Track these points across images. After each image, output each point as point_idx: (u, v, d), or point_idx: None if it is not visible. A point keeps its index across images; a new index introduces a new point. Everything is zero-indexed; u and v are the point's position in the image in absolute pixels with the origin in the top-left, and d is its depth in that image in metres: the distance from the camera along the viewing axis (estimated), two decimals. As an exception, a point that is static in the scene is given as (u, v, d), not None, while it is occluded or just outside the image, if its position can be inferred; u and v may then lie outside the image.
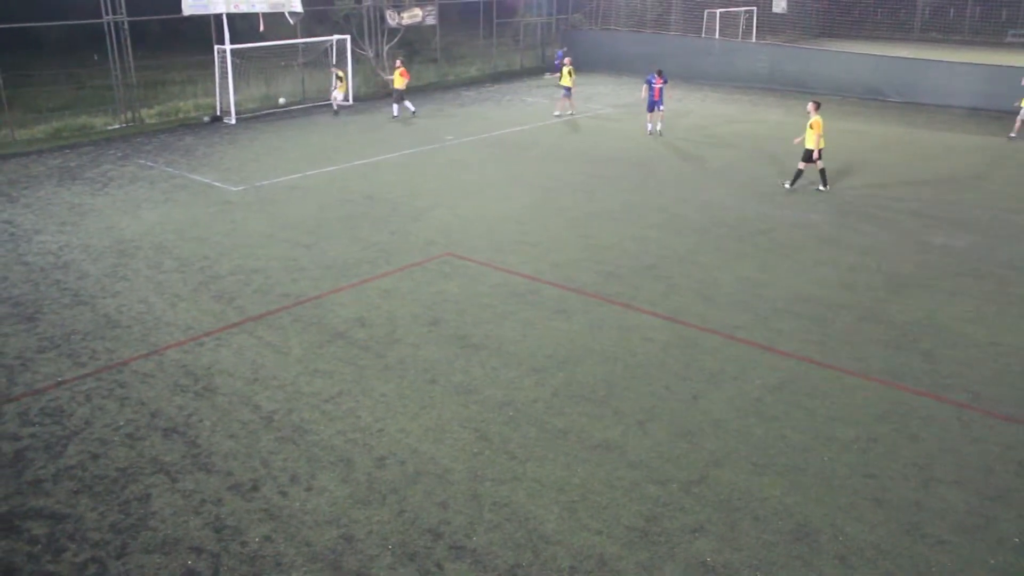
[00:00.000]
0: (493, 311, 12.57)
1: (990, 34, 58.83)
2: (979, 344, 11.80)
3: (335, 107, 29.64)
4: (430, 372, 10.71)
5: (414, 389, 10.29)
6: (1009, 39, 57.75)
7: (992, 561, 7.50)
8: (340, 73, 29.88)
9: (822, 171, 19.49)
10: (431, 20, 36.09)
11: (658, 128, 25.75)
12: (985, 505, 8.27)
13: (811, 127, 18.99)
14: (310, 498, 8.20)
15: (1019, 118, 26.33)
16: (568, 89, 28.82)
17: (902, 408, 10.05)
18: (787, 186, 19.73)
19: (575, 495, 8.28)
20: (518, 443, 9.15)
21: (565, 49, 33.14)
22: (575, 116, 28.78)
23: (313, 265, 14.43)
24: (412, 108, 28.64)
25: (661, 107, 25.63)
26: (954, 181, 20.75)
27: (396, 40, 34.18)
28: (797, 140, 20.31)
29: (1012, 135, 26.49)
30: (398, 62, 28.80)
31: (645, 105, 25.98)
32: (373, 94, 32.64)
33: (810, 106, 19.39)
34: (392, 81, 28.67)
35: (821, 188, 19.58)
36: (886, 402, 10.19)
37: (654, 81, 25.28)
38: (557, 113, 29.06)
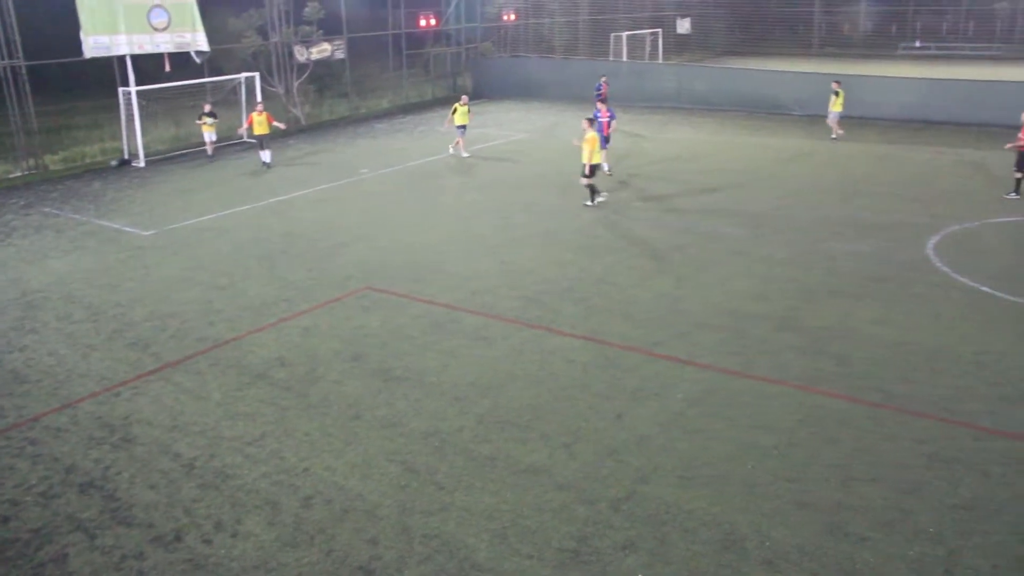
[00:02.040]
0: (414, 342, 12.56)
1: (883, 47, 61.30)
2: (888, 344, 12.23)
3: (209, 152, 27.62)
4: (354, 407, 10.65)
5: (338, 426, 10.22)
6: (900, 52, 60.24)
7: (911, 553, 7.76)
8: (207, 111, 27.49)
9: (591, 187, 19.90)
10: (340, 54, 36.03)
11: (604, 167, 22.85)
12: (901, 499, 8.56)
13: (586, 142, 19.37)
14: (236, 544, 8.07)
15: (829, 121, 28.47)
16: (463, 127, 26.75)
17: (819, 412, 10.35)
18: (587, 204, 20.08)
19: (505, 521, 8.31)
20: (445, 473, 9.15)
21: (604, 78, 31.15)
22: (459, 156, 27.02)
23: (230, 307, 14.23)
24: (266, 160, 25.72)
25: (607, 144, 23.12)
26: (852, 188, 21.49)
27: (306, 75, 34.05)
28: (575, 142, 20.83)
29: (833, 136, 28.31)
30: (259, 106, 26.12)
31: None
32: (285, 131, 32.36)
33: (584, 123, 19.91)
34: (253, 127, 25.63)
35: (588, 204, 19.99)
36: (804, 407, 10.48)
37: (600, 115, 23.02)
38: (454, 151, 27.03)
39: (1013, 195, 20.39)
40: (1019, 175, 20.28)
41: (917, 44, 60.89)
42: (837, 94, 28.33)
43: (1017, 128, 20.24)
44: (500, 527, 8.22)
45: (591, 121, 20.11)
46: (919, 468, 9.11)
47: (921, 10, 62.26)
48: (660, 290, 14.54)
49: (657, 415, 10.30)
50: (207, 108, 27.52)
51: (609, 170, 23.34)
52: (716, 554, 7.79)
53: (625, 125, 32.19)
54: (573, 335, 12.73)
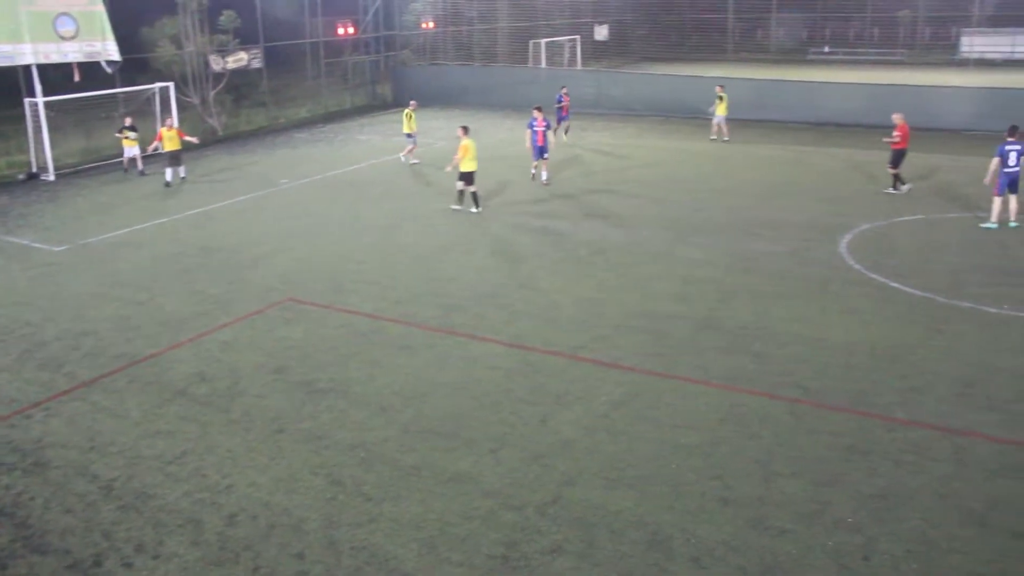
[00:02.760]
0: (337, 353, 12.46)
1: (795, 53, 63.03)
2: (805, 342, 12.56)
3: (139, 167, 26.10)
4: (277, 421, 10.50)
5: (261, 440, 10.07)
6: (811, 57, 62.00)
7: (830, 543, 7.98)
8: (127, 124, 26.10)
9: (474, 194, 20.12)
10: (257, 64, 35.56)
11: (543, 177, 23.02)
12: (821, 492, 8.80)
13: (461, 151, 19.60)
14: (158, 566, 7.88)
15: (715, 122, 29.40)
16: (411, 135, 26.57)
17: (741, 409, 10.57)
18: (455, 207, 20.27)
19: (433, 530, 8.29)
20: (372, 484, 9.09)
21: (565, 88, 30.16)
22: (408, 163, 27.19)
23: (148, 322, 13.90)
24: (175, 177, 24.45)
25: (546, 154, 22.86)
26: (768, 190, 22.03)
27: (222, 85, 33.50)
28: (449, 168, 20.93)
29: (712, 137, 29.30)
30: (169, 121, 25.29)
31: (531, 153, 23.25)
32: (201, 141, 31.79)
33: (459, 131, 20.08)
34: (164, 143, 24.34)
35: (473, 210, 20.15)
36: (726, 405, 10.69)
37: (536, 124, 22.46)
38: (404, 159, 26.98)
39: (895, 189, 21.24)
40: (894, 171, 21.30)
41: (826, 50, 62.76)
42: (721, 98, 29.16)
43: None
44: (428, 536, 8.20)
45: (465, 129, 20.08)
46: (837, 460, 9.38)
47: (830, 17, 64.17)
48: (582, 294, 14.68)
49: (581, 418, 10.39)
50: (128, 122, 26.33)
51: (547, 179, 22.99)
52: (643, 553, 7.90)
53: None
54: (496, 341, 12.77)
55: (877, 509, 8.49)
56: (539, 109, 22.63)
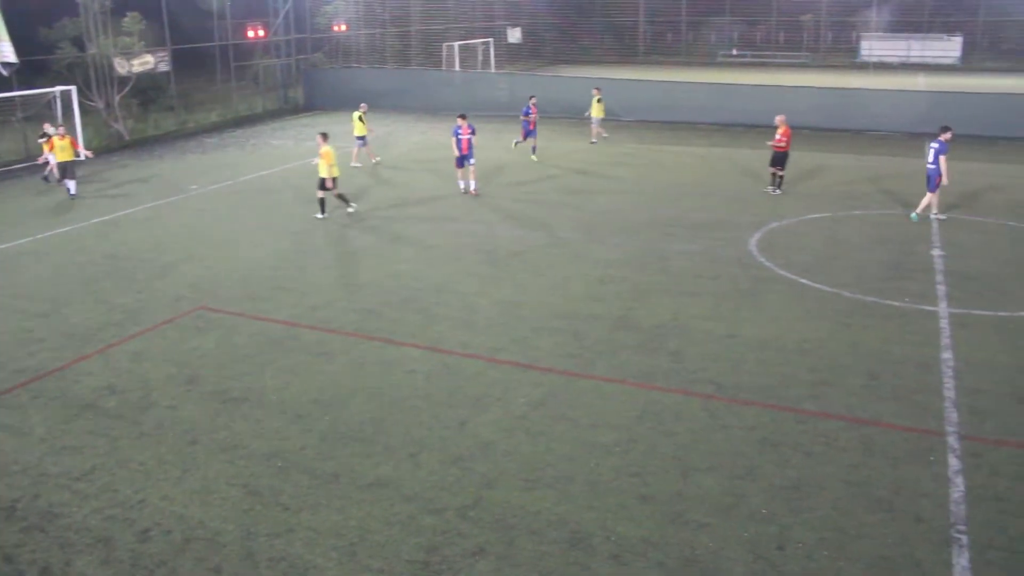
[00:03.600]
0: (252, 361, 12.23)
1: (704, 55, 64.40)
2: (718, 338, 12.81)
3: (56, 174, 24.03)
4: (191, 432, 10.26)
5: (175, 453, 9.82)
6: (719, 59, 63.40)
7: (746, 534, 8.15)
8: (48, 131, 24.22)
9: (340, 195, 20.12)
10: (164, 67, 34.70)
11: (471, 187, 22.34)
12: (736, 485, 8.98)
13: (322, 157, 19.53)
14: (66, 586, 7.62)
15: (593, 125, 29.98)
16: (362, 138, 26.41)
17: (657, 407, 10.72)
18: (319, 216, 20.13)
19: (353, 537, 8.20)
20: (290, 493, 8.95)
21: (533, 99, 27.63)
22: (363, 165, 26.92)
23: (52, 335, 13.42)
24: (73, 191, 23.00)
25: (472, 160, 22.17)
26: (680, 190, 22.43)
27: (128, 89, 32.59)
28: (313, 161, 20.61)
29: (592, 140, 29.88)
30: (60, 130, 23.38)
31: (454, 161, 22.51)
32: (107, 147, 30.90)
33: (319, 138, 20.07)
34: (55, 154, 23.00)
35: (350, 209, 20.29)
36: (642, 403, 10.83)
37: (460, 132, 21.75)
38: (359, 163, 26.56)
39: (772, 190, 21.81)
40: (776, 171, 21.85)
41: (734, 52, 64.26)
42: (599, 100, 29.63)
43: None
44: (348, 544, 8.11)
45: (324, 136, 19.91)
46: (751, 454, 9.59)
47: (737, 20, 65.72)
48: (499, 296, 14.72)
49: (500, 420, 10.41)
50: (47, 128, 24.32)
51: (476, 189, 22.28)
52: (564, 553, 7.94)
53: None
54: (414, 345, 12.71)
55: (790, 499, 8.71)
56: (463, 117, 21.89)
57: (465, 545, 8.07)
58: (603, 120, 30.22)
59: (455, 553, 7.96)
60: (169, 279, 15.95)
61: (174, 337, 13.22)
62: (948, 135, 18.72)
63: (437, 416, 10.54)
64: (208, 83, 39.29)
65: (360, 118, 26.23)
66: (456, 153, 22.15)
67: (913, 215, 19.15)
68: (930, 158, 18.75)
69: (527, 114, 27.08)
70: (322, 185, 19.75)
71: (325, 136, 19.97)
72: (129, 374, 11.93)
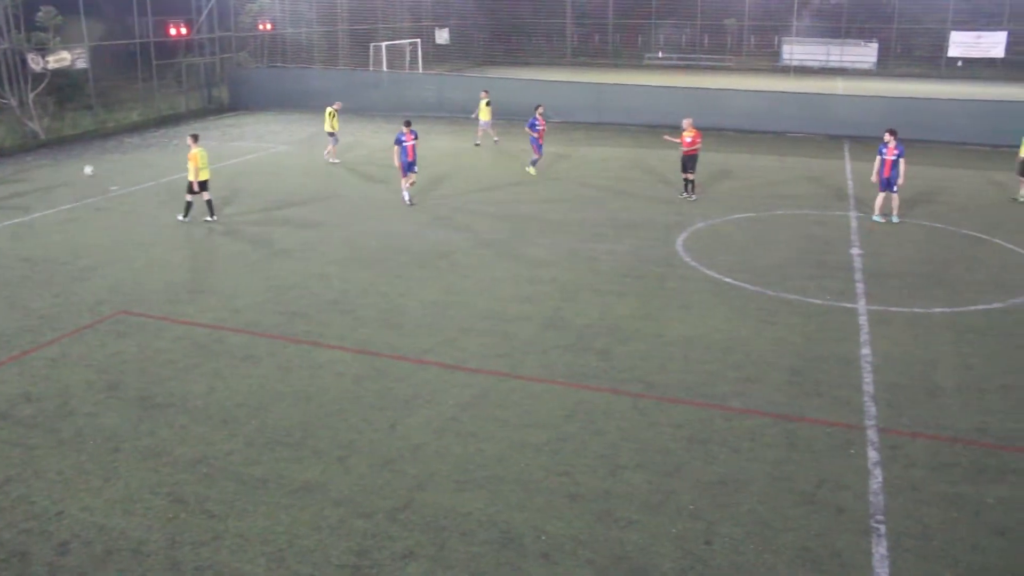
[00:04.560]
0: (176, 366, 11.97)
1: (631, 57, 65.20)
2: (646, 337, 12.97)
3: None
4: (112, 440, 9.99)
5: (95, 461, 9.55)
6: (646, 62, 64.27)
7: (674, 530, 8.28)
8: None
9: (208, 202, 19.72)
10: (82, 64, 33.70)
11: (406, 198, 21.35)
12: (664, 481, 9.11)
13: (190, 159, 19.27)
14: (-20, 602, 7.35)
15: (480, 127, 30.16)
16: (332, 134, 26.47)
17: (586, 406, 10.81)
18: (180, 219, 19.71)
19: (281, 543, 8.09)
20: (216, 500, 8.79)
21: (540, 108, 25.08)
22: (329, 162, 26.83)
23: (-37, 341, 12.95)
24: None
25: (416, 168, 21.50)
26: (608, 191, 22.65)
27: (43, 86, 31.57)
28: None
29: (477, 143, 30.09)
30: None
31: (400, 170, 21.31)
32: (21, 146, 29.91)
33: (189, 139, 19.92)
34: None
35: (208, 219, 19.63)
36: (571, 402, 10.91)
37: (404, 138, 20.81)
38: (334, 161, 26.74)
39: (687, 196, 21.90)
40: (688, 176, 21.85)
41: (660, 55, 65.14)
42: (488, 104, 29.87)
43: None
44: (276, 550, 7.99)
45: (195, 138, 19.66)
46: (679, 451, 9.74)
47: (663, 24, 66.65)
48: (428, 298, 14.66)
49: (430, 422, 10.38)
50: None
51: (410, 201, 21.28)
52: (495, 553, 7.96)
53: (388, 136, 32.13)
54: (342, 348, 12.59)
55: (717, 495, 8.86)
56: (408, 124, 21.19)
57: (395, 548, 8.03)
58: (492, 123, 30.30)
59: (385, 556, 7.91)
60: (88, 283, 15.51)
61: (94, 342, 12.86)
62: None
63: (366, 419, 10.45)
64: (129, 81, 38.26)
65: (332, 115, 26.50)
66: (397, 163, 21.18)
67: (876, 217, 19.60)
68: (888, 158, 19.03)
69: (534, 127, 24.80)
70: (189, 188, 19.32)
71: (196, 138, 19.66)
72: (46, 381, 11.56)
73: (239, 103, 39.82)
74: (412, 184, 21.55)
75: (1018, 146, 22.32)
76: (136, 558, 7.89)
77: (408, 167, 21.24)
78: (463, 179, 24.35)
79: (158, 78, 38.15)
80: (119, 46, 36.82)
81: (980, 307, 14.33)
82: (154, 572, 7.70)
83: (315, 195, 22.37)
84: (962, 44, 56.89)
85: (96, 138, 32.54)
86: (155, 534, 8.24)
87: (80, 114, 34.37)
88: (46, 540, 8.17)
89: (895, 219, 19.48)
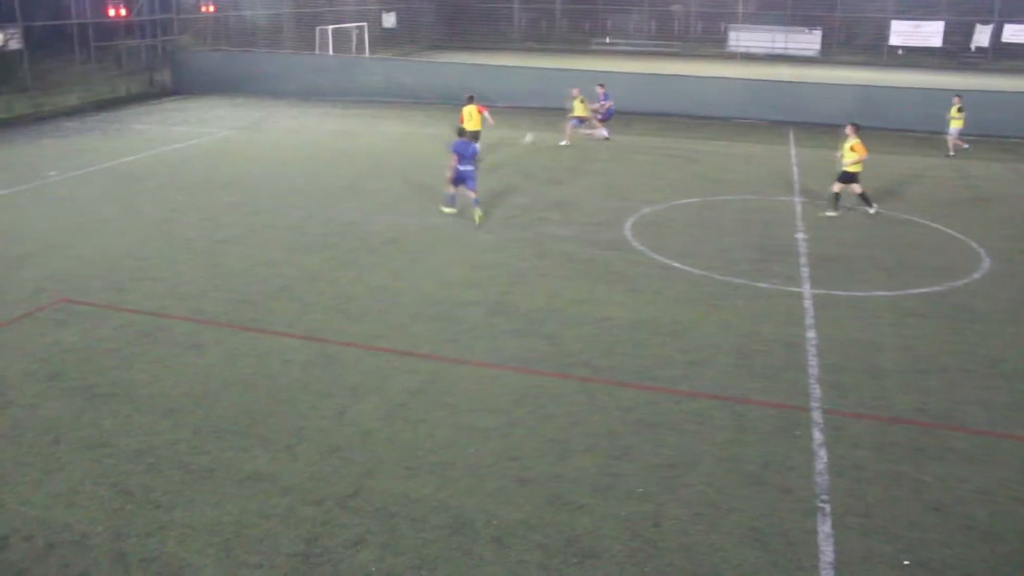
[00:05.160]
0: (119, 355, 11.73)
1: (577, 43, 65.28)
2: (593, 321, 13.03)
3: None
4: (52, 431, 9.76)
5: (34, 453, 9.33)
6: (593, 47, 64.40)
7: (623, 513, 8.35)
8: None
9: None
10: (15, 44, 32.79)
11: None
12: (613, 465, 9.17)
13: None
14: (-84, 599, 7.15)
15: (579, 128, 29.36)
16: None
17: (535, 390, 10.83)
18: None
19: (229, 533, 7.99)
20: (162, 490, 8.64)
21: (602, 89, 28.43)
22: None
23: None
24: None
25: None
26: (555, 175, 22.69)
27: (-25, 69, 30.68)
28: None
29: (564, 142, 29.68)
30: None
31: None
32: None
33: None
34: None
35: None
36: (520, 387, 10.92)
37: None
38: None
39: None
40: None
41: (608, 40, 65.32)
42: (581, 100, 29.38)
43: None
44: (224, 539, 7.90)
45: None
46: (627, 434, 9.81)
47: (610, 9, 66.85)
48: (376, 283, 14.57)
49: (379, 408, 10.32)
50: None
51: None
52: (446, 539, 7.95)
53: (336, 121, 31.94)
54: (290, 335, 12.45)
55: (665, 477, 8.95)
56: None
57: (346, 535, 7.98)
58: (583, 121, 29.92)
59: (335, 544, 7.86)
60: (26, 270, 15.11)
61: (33, 331, 12.54)
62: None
63: (314, 406, 10.36)
64: (67, 64, 37.33)
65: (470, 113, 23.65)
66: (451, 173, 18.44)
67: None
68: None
69: (604, 103, 27.96)
70: None
71: None
72: (-17, 371, 11.27)
73: (182, 87, 39.03)
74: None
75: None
76: (79, 551, 7.74)
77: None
78: (408, 162, 24.17)
79: (97, 60, 37.30)
80: (56, 27, 35.81)
81: (919, 291, 14.65)
82: (98, 565, 7.56)
83: (258, 181, 22.05)
84: (902, 33, 58.03)
85: (32, 122, 31.68)
86: (99, 526, 8.08)
87: (14, 97, 33.40)
88: (-15, 534, 7.97)
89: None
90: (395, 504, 8.46)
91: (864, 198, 19.21)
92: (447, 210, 18.75)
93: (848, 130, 18.87)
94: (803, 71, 49.20)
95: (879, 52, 58.34)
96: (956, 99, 26.74)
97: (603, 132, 28.20)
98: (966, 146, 26.83)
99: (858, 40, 60.89)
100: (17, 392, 10.70)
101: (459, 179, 18.18)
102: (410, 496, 8.59)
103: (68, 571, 7.48)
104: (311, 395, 10.64)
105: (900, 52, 58.19)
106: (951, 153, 26.67)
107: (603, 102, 28.07)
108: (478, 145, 21.44)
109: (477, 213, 18.06)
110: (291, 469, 9.04)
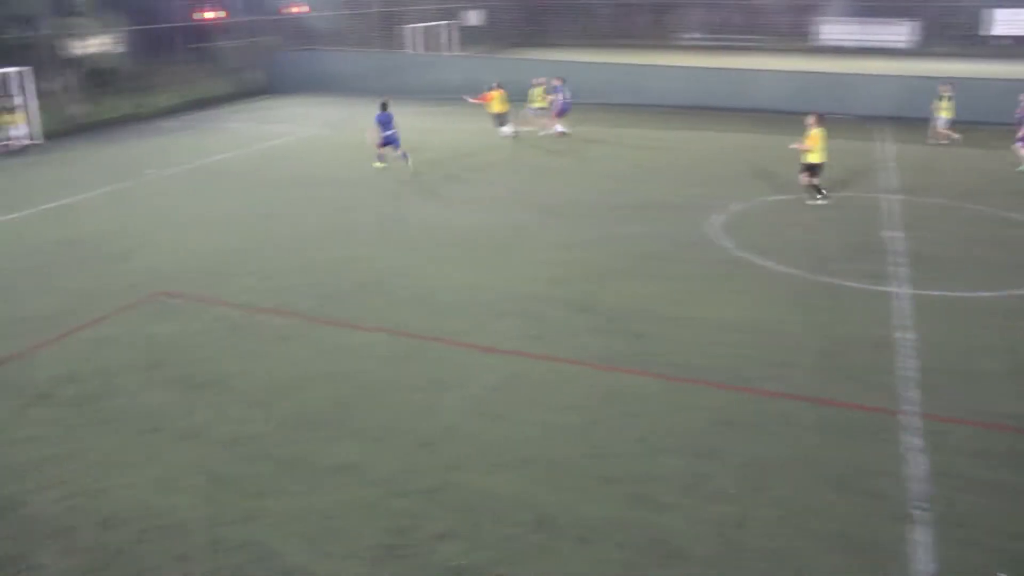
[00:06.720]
0: (213, 347, 12.12)
1: (663, 38, 64.64)
2: (677, 320, 12.93)
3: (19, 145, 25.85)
4: (152, 420, 10.15)
5: (136, 440, 9.72)
6: (678, 42, 63.50)
7: (707, 514, 8.25)
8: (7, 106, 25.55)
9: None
10: (120, 48, 34.01)
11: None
12: (697, 465, 9.09)
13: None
14: (27, 578, 7.51)
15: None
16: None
17: (618, 389, 10.80)
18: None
19: (317, 523, 8.18)
20: (253, 480, 8.91)
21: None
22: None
23: (4, 321, 13.12)
24: None
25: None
26: (639, 173, 22.54)
27: (82, 71, 31.88)
28: None
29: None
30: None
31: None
32: (63, 130, 30.26)
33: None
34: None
35: None
36: (604, 385, 10.91)
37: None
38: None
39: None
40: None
41: (696, 36, 64.55)
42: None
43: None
44: (312, 529, 8.10)
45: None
46: (715, 435, 9.70)
47: (696, 4, 66.03)
48: (461, 280, 14.71)
49: (463, 404, 10.43)
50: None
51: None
52: (529, 535, 7.99)
53: (418, 120, 32.20)
54: (376, 329, 12.67)
55: (751, 479, 8.83)
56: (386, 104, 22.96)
57: (430, 529, 8.09)
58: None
59: (421, 537, 7.97)
60: (127, 265, 15.73)
61: (134, 323, 13.05)
62: None
63: (400, 400, 10.53)
64: (165, 65, 38.56)
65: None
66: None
67: None
68: None
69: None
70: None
71: None
72: (88, 361, 11.76)
73: (274, 86, 39.97)
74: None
75: None
76: (178, 535, 8.01)
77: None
78: (493, 160, 24.30)
79: (194, 62, 38.45)
80: (156, 30, 37.03)
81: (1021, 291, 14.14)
82: (195, 550, 7.82)
83: (346, 178, 22.47)
84: (1006, 22, 55.81)
85: (133, 122, 32.87)
86: (195, 512, 8.37)
87: (118, 98, 34.71)
88: (90, 516, 8.32)
89: None
90: (478, 499, 8.55)
91: (816, 188, 19.30)
92: (378, 165, 23.23)
93: (809, 120, 19.11)
94: (898, 64, 47.73)
95: (977, 42, 56.11)
96: (945, 87, 25.94)
97: (558, 127, 27.78)
98: (956, 136, 26.04)
99: (952, 31, 58.71)
100: (121, 381, 11.15)
101: (386, 142, 22.76)
102: (493, 491, 8.67)
103: (167, 553, 7.76)
104: (396, 389, 10.80)
105: (1007, 43, 55.79)
106: (943, 142, 26.12)
107: (557, 94, 27.59)
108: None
109: (410, 163, 22.62)
110: (379, 461, 9.20)
